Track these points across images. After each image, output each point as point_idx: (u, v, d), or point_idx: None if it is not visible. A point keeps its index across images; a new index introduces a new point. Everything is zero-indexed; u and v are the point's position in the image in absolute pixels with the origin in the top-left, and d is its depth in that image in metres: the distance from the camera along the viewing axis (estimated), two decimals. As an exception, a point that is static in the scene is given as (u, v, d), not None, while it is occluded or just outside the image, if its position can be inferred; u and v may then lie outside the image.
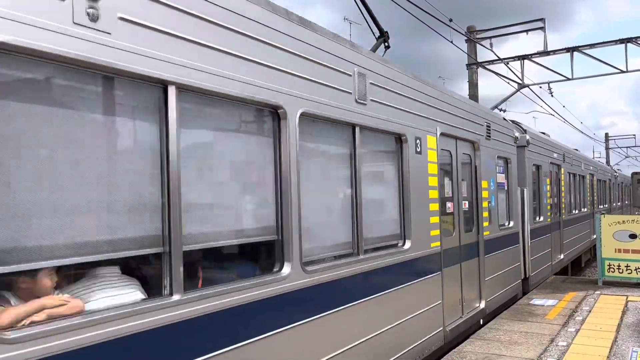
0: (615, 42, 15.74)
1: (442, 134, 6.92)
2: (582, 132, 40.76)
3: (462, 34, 15.67)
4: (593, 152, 58.87)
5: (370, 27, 7.92)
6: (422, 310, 6.19)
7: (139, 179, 3.11)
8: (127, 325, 2.83)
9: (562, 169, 14.38)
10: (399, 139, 5.96)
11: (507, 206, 9.61)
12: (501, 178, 9.34)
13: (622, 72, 16.53)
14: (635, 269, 10.77)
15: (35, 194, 2.59)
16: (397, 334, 5.62)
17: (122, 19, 2.93)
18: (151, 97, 3.18)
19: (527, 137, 10.78)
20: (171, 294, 3.12)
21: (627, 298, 9.59)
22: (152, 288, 3.18)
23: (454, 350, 6.64)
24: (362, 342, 5.01)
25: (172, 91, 3.20)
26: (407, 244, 5.91)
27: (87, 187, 2.83)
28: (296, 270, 4.12)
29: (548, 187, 12.57)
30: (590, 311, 8.61)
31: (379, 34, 7.91)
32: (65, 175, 2.73)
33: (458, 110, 7.59)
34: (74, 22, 2.68)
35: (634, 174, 28.04)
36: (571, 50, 16.28)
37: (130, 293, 3.01)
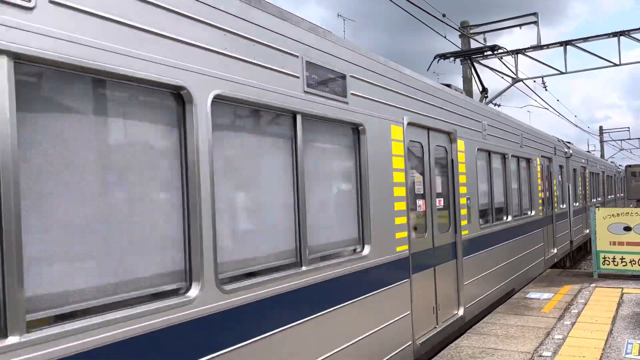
0: (609, 35, 15.78)
1: (541, 156, 12.56)
2: (576, 126, 40.91)
3: (456, 29, 15.66)
4: (588, 145, 59.01)
5: (476, 84, 12.96)
6: (539, 245, 11.90)
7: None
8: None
9: (587, 170, 19.76)
10: (528, 161, 11.46)
11: (561, 195, 14.75)
12: (559, 177, 14.69)
13: (616, 65, 16.58)
14: (630, 262, 10.81)
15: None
16: (529, 256, 10.94)
17: None
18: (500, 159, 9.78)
19: (571, 151, 16.39)
20: (507, 219, 9.62)
21: (622, 290, 9.64)
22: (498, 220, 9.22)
23: (450, 345, 6.66)
24: (514, 259, 9.90)
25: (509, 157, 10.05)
26: (533, 212, 11.45)
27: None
28: (512, 218, 9.88)
29: (579, 182, 18.03)
30: (585, 304, 8.65)
31: (482, 89, 12.82)
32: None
33: (544, 141, 13.11)
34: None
35: (627, 167, 28.18)
36: (565, 44, 16.31)
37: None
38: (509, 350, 6.38)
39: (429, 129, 6.62)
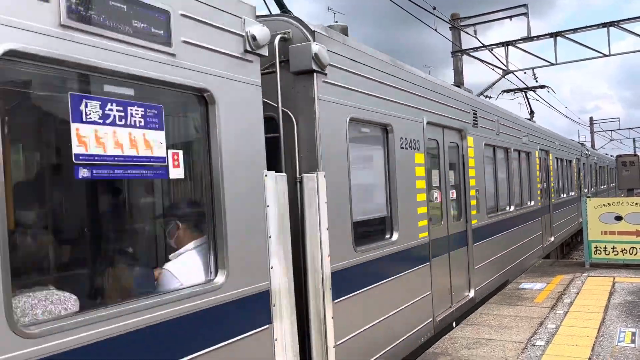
0: (598, 26, 15.84)
1: (575, 158, 18.74)
2: (567, 117, 41.15)
3: (446, 21, 15.67)
4: (578, 136, 59.24)
5: (526, 107, 18.15)
6: (575, 213, 17.50)
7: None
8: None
9: (597, 165, 27.19)
10: (570, 162, 17.98)
11: (584, 183, 21.28)
12: (583, 171, 20.88)
13: (605, 55, 16.65)
14: (622, 251, 10.90)
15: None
16: (571, 219, 17.35)
17: None
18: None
19: (589, 152, 23.39)
20: (566, 195, 17.48)
21: (614, 279, 9.72)
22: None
23: (445, 337, 6.70)
24: (570, 217, 17.17)
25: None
26: (573, 193, 18.05)
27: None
28: (566, 195, 17.23)
29: (594, 174, 25.48)
30: (578, 293, 8.71)
31: (530, 111, 17.40)
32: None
33: (576, 147, 19.56)
34: None
35: (618, 157, 28.44)
36: (554, 35, 16.36)
37: None
38: (503, 340, 6.42)
39: (541, 150, 13.29)
